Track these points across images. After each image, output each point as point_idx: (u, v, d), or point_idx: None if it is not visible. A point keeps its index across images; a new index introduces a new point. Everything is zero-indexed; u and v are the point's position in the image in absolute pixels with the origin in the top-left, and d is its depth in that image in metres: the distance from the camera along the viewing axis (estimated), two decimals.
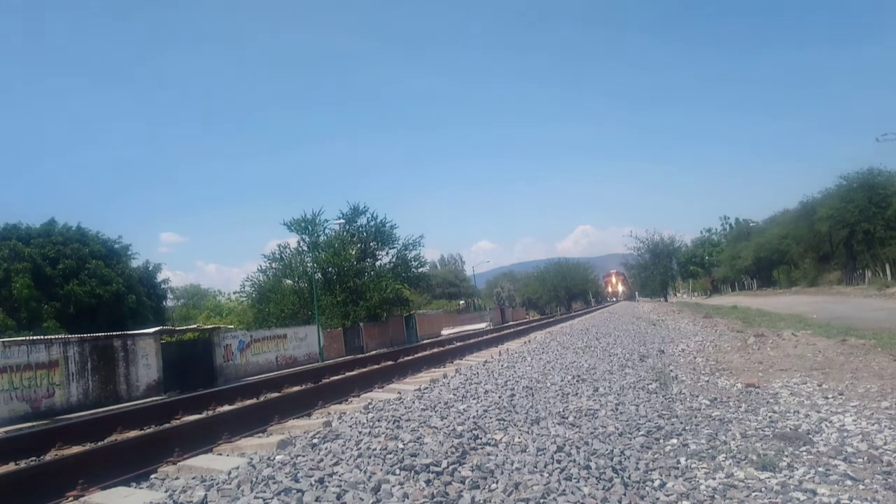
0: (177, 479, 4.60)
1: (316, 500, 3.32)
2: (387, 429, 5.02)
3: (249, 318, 37.57)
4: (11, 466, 7.15)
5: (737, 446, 5.20)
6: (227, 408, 10.40)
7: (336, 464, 4.02)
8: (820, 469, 4.50)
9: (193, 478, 4.28)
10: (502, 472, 4.00)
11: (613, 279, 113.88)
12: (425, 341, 28.94)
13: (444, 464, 4.00)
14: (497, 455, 4.35)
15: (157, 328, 19.89)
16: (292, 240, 42.64)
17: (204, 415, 9.70)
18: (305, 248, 35.39)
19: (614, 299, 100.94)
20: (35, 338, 15.67)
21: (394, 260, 37.27)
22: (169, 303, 48.31)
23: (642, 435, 5.49)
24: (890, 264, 39.77)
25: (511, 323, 46.57)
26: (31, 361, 14.33)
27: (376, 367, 14.52)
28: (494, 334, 24.49)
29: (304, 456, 4.28)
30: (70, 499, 4.79)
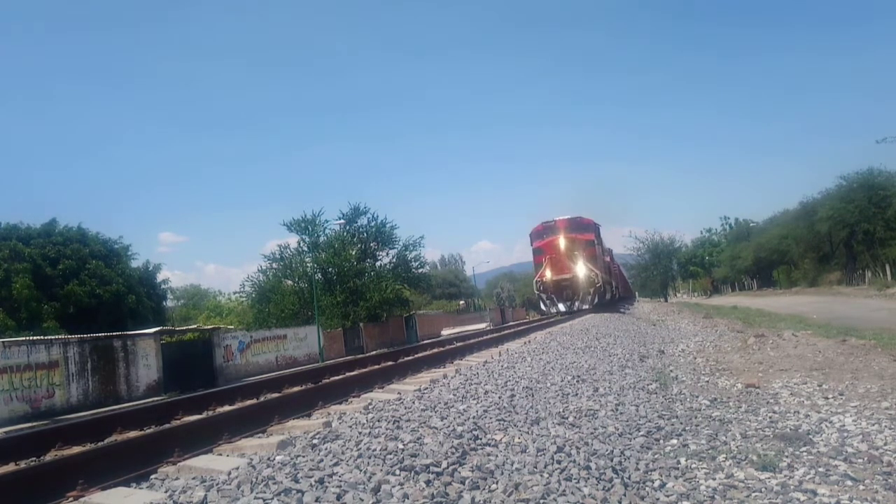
0: (177, 479, 4.59)
1: (316, 501, 3.31)
2: (387, 429, 5.02)
3: (249, 318, 37.61)
4: (11, 466, 7.15)
5: (737, 447, 5.20)
6: (227, 408, 10.37)
7: (336, 464, 4.02)
8: (820, 469, 4.50)
9: (193, 478, 4.26)
10: (502, 473, 4.00)
11: (561, 243, 30.43)
12: (425, 341, 28.89)
13: (444, 464, 3.99)
14: (497, 455, 4.35)
15: (157, 328, 19.89)
16: (292, 240, 42.62)
17: (204, 415, 9.66)
18: (305, 249, 35.41)
19: (559, 310, 31.04)
20: (35, 338, 15.66)
21: (394, 260, 37.28)
22: (169, 303, 48.43)
23: (642, 435, 5.48)
24: (890, 264, 39.80)
25: (511, 323, 46.49)
26: (31, 362, 14.33)
27: (376, 367, 14.49)
28: (494, 334, 24.44)
29: (304, 456, 4.28)
30: (70, 499, 4.78)
